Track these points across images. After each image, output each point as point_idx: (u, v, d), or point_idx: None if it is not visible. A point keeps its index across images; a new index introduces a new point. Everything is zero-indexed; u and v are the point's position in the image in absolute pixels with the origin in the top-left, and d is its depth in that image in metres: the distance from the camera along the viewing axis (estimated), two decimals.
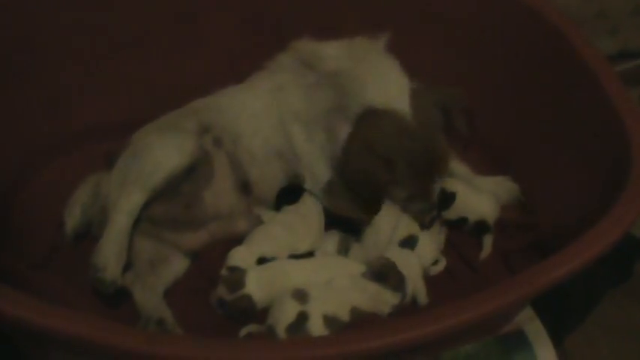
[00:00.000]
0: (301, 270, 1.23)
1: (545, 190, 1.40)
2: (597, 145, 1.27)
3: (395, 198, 1.29)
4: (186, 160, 1.29)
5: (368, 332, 0.96)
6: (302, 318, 1.12)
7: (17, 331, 1.07)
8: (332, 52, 1.34)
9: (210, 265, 1.30)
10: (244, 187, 1.36)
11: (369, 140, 1.23)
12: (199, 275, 1.32)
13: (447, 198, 1.36)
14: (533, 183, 1.44)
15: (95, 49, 1.51)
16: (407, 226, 1.30)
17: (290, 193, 1.35)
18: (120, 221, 1.24)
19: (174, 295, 1.29)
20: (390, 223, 1.30)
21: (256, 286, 1.19)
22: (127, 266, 1.26)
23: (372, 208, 1.29)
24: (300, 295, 1.14)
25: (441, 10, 1.56)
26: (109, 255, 1.20)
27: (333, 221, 1.34)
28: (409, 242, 1.28)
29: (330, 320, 1.12)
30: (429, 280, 1.28)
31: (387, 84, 1.28)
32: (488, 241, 1.37)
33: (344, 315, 1.15)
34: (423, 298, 1.25)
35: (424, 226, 1.32)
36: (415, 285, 1.23)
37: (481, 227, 1.37)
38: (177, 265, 1.33)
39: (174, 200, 1.30)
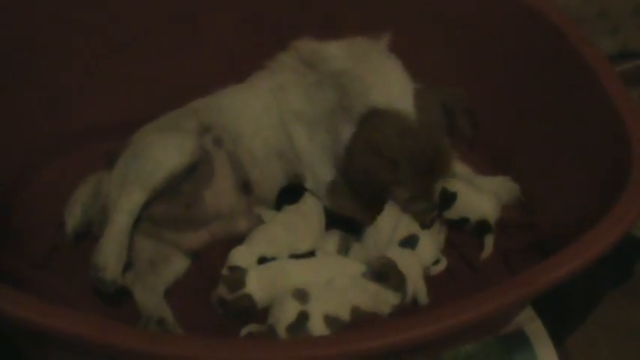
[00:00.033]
0: (302, 270, 1.23)
1: (545, 190, 1.40)
2: (598, 145, 1.27)
3: (397, 198, 1.29)
4: (186, 160, 1.29)
5: (368, 332, 0.96)
6: (302, 318, 1.12)
7: (17, 331, 1.07)
8: (334, 52, 1.34)
9: (210, 264, 1.30)
10: (245, 186, 1.36)
11: (373, 141, 1.23)
12: (200, 275, 1.32)
13: (448, 198, 1.36)
14: (533, 183, 1.44)
15: (95, 49, 1.51)
16: (407, 225, 1.30)
17: (291, 193, 1.35)
18: (120, 221, 1.24)
19: (174, 295, 1.29)
20: (390, 223, 1.30)
21: (257, 286, 1.19)
22: (128, 266, 1.26)
23: (375, 208, 1.29)
24: (301, 295, 1.14)
25: (441, 10, 1.56)
26: (110, 255, 1.20)
27: (333, 221, 1.34)
28: (410, 242, 1.28)
29: (330, 320, 1.12)
30: (430, 280, 1.28)
31: (390, 84, 1.28)
32: (489, 241, 1.36)
33: (344, 315, 1.15)
34: (423, 297, 1.25)
35: (425, 225, 1.32)
36: (416, 285, 1.23)
37: (482, 227, 1.37)
38: (178, 265, 1.32)
39: (174, 200, 1.30)
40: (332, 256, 1.30)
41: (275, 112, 1.37)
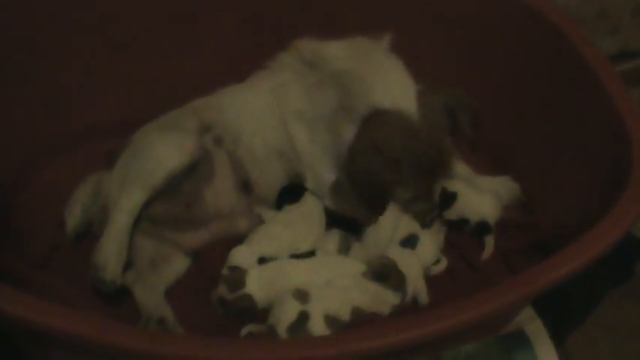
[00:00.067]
0: (302, 269, 1.23)
1: (545, 190, 1.40)
2: (598, 145, 1.27)
3: (398, 198, 1.29)
4: (186, 159, 1.29)
5: (369, 332, 0.96)
6: (303, 318, 1.12)
7: (17, 331, 1.07)
8: (335, 52, 1.34)
9: (210, 264, 1.30)
10: (245, 186, 1.36)
11: (376, 141, 1.22)
12: (200, 275, 1.32)
13: (448, 198, 1.36)
14: (533, 183, 1.44)
15: (95, 49, 1.50)
16: (407, 225, 1.30)
17: (291, 193, 1.35)
18: (120, 220, 1.24)
19: (174, 295, 1.29)
20: (391, 223, 1.30)
21: (257, 286, 1.19)
22: (128, 265, 1.26)
23: (377, 208, 1.29)
24: (301, 295, 1.14)
25: (441, 10, 1.56)
26: (109, 254, 1.20)
27: (334, 220, 1.34)
28: (410, 241, 1.28)
29: (331, 320, 1.12)
30: (430, 279, 1.28)
31: (392, 85, 1.28)
32: (489, 241, 1.36)
33: (345, 315, 1.15)
34: (423, 297, 1.25)
35: (424, 224, 1.32)
36: (416, 285, 1.23)
37: (482, 228, 1.37)
38: (178, 265, 1.32)
39: (174, 199, 1.30)
40: (332, 256, 1.30)
41: (275, 112, 1.37)
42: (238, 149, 1.36)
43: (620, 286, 1.40)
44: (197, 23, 1.55)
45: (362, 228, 1.32)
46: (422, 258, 1.28)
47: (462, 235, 1.39)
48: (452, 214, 1.37)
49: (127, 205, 1.24)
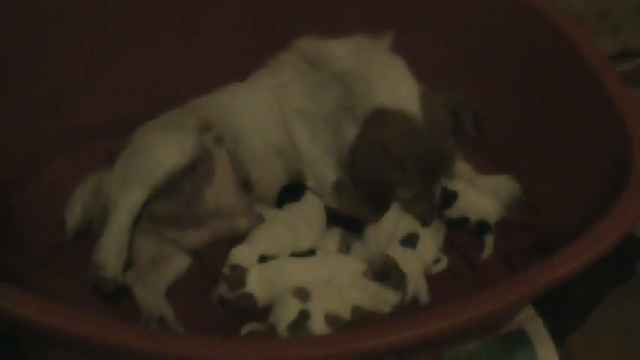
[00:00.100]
0: (302, 268, 1.23)
1: (546, 190, 1.40)
2: (598, 144, 1.27)
3: (399, 198, 1.29)
4: (186, 158, 1.29)
5: (369, 331, 0.96)
6: (303, 316, 1.12)
7: (18, 330, 1.07)
8: (337, 52, 1.34)
9: (211, 263, 1.30)
10: (245, 185, 1.36)
11: (380, 141, 1.22)
12: (200, 273, 1.32)
13: (449, 197, 1.36)
14: (533, 183, 1.44)
15: (95, 49, 1.50)
16: (408, 224, 1.30)
17: (292, 192, 1.35)
18: (120, 219, 1.24)
19: (175, 294, 1.29)
20: (391, 222, 1.30)
21: (257, 285, 1.19)
22: (129, 264, 1.26)
23: (381, 208, 1.29)
24: (302, 294, 1.14)
25: (441, 10, 1.56)
26: (110, 253, 1.21)
27: (334, 219, 1.34)
28: (410, 240, 1.28)
29: (331, 319, 1.13)
30: (431, 278, 1.28)
31: (395, 84, 1.27)
32: (489, 241, 1.36)
33: (345, 313, 1.15)
34: (424, 296, 1.25)
35: (425, 223, 1.32)
36: (416, 283, 1.23)
37: (482, 227, 1.37)
38: (179, 264, 1.32)
39: (175, 198, 1.30)
40: (333, 255, 1.30)
41: (276, 111, 1.37)
42: (239, 148, 1.36)
43: (620, 286, 1.40)
44: (197, 23, 1.55)
45: (363, 226, 1.32)
46: (422, 257, 1.28)
47: (463, 235, 1.39)
48: (452, 213, 1.37)
49: (127, 204, 1.24)
